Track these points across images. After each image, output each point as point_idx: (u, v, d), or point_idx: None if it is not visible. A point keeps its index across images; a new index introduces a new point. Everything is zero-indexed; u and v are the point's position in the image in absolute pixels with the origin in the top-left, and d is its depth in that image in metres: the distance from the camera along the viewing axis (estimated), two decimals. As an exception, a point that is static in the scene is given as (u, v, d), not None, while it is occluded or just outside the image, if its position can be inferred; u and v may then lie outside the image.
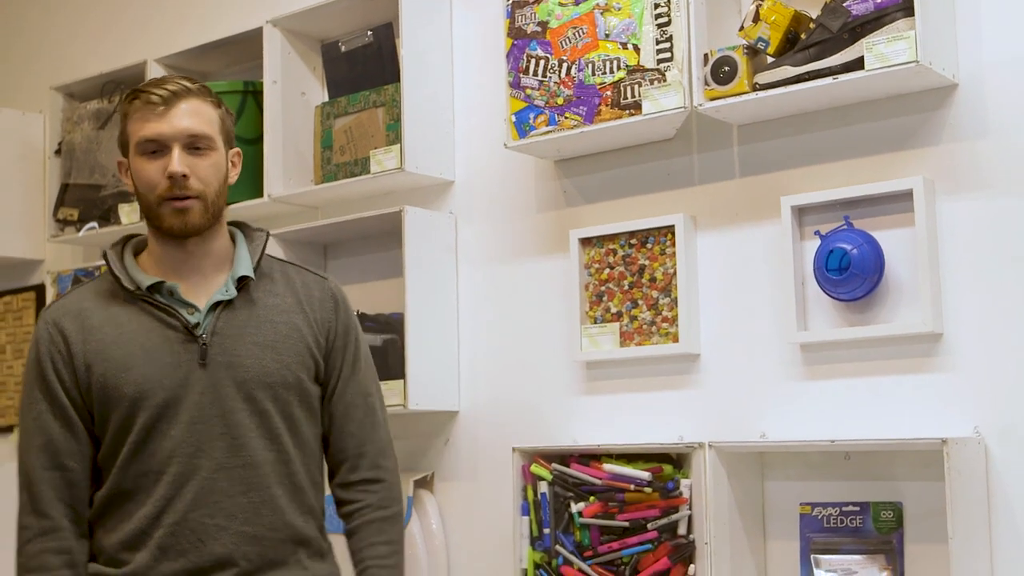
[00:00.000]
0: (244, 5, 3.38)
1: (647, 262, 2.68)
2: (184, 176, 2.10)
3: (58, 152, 3.66)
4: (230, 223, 2.27)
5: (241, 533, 2.14)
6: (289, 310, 2.24)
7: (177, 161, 2.10)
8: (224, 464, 2.14)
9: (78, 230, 3.55)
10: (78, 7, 3.93)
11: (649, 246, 2.68)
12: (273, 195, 3.11)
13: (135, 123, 2.14)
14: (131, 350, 2.12)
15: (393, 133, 2.95)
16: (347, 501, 2.29)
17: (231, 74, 3.35)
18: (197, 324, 2.15)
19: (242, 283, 2.19)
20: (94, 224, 3.50)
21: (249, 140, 3.18)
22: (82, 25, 3.89)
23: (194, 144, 2.13)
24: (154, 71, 3.36)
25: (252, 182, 3.16)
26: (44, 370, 2.14)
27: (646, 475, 2.56)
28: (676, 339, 2.63)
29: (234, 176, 2.24)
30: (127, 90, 2.25)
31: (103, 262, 2.23)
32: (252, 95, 3.18)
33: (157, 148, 2.12)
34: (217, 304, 2.17)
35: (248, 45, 3.20)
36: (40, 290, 3.87)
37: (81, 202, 3.58)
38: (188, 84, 2.15)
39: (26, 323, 3.88)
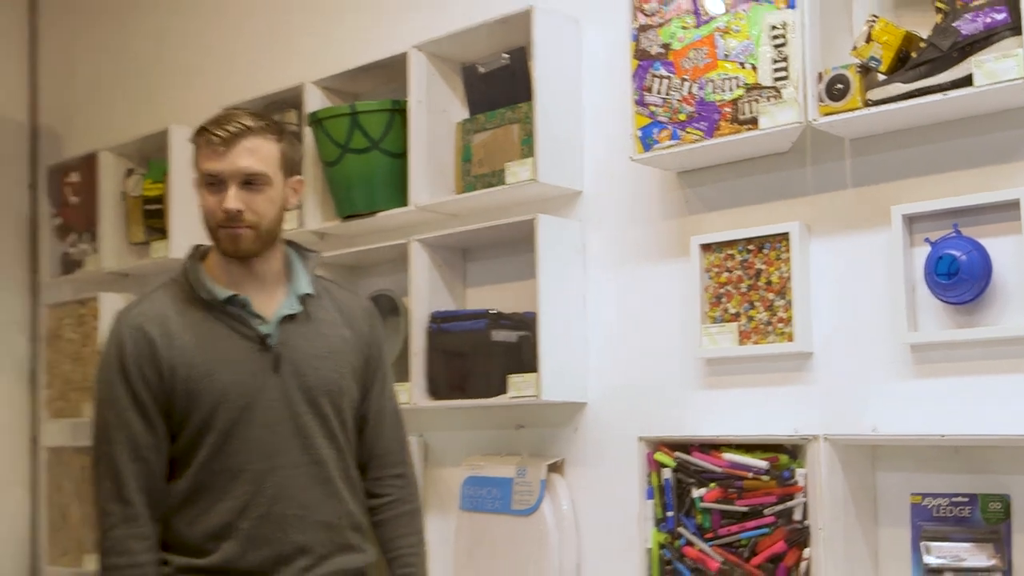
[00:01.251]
0: (392, 31, 3.38)
1: (764, 267, 2.61)
2: (238, 211, 2.14)
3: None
4: (287, 243, 2.31)
5: (317, 522, 2.20)
6: (337, 324, 2.29)
7: (232, 199, 2.15)
8: (297, 462, 2.20)
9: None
10: (242, 32, 3.97)
11: (765, 252, 2.61)
12: (418, 204, 3.10)
13: (200, 157, 2.20)
14: (212, 356, 2.16)
15: (527, 147, 2.92)
16: (378, 494, 2.36)
17: (380, 94, 3.35)
18: (268, 335, 2.18)
19: (302, 299, 2.24)
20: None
21: (396, 154, 3.18)
22: (245, 47, 3.93)
23: (249, 181, 2.16)
24: (310, 92, 3.38)
25: (399, 192, 3.17)
26: (128, 371, 2.15)
27: (764, 464, 2.51)
28: (791, 338, 2.56)
29: (294, 202, 2.29)
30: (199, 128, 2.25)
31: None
32: (399, 113, 3.18)
33: (216, 182, 2.16)
34: (284, 317, 2.21)
35: (395, 68, 3.20)
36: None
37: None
38: (250, 123, 2.18)
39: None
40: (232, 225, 2.16)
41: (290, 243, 2.33)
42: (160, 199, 3.91)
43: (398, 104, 3.19)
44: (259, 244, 2.18)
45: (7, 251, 4.66)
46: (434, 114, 3.14)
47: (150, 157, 4.02)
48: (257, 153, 2.16)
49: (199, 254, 2.27)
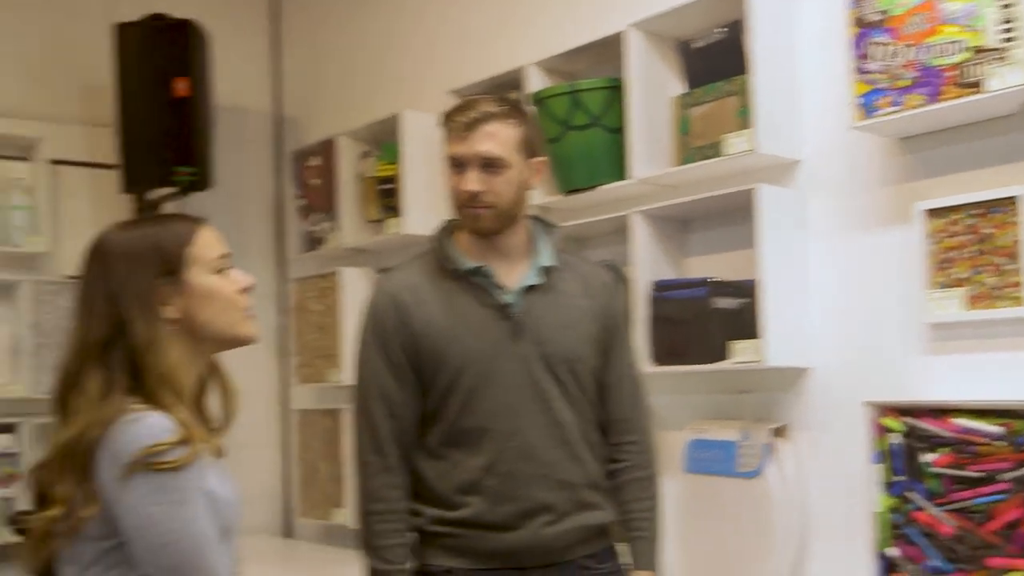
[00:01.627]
0: (608, 11, 3.36)
1: (992, 231, 2.49)
2: (477, 193, 2.22)
3: (453, 146, 3.77)
4: (531, 217, 2.35)
5: (559, 481, 2.25)
6: (579, 295, 2.32)
7: (471, 180, 2.22)
8: (539, 424, 2.25)
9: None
10: (468, 18, 4.02)
11: (993, 215, 2.49)
12: (637, 177, 3.09)
13: (447, 140, 2.27)
14: (457, 323, 2.24)
15: (744, 119, 2.86)
16: (616, 459, 2.38)
17: (597, 72, 3.34)
18: (510, 305, 2.21)
19: (544, 271, 2.28)
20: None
21: (615, 129, 3.18)
22: (470, 33, 3.98)
23: (488, 164, 2.22)
24: (532, 74, 3.40)
25: (618, 166, 3.18)
26: (382, 333, 2.27)
27: (998, 429, 2.40)
28: (1022, 302, 2.43)
29: (535, 182, 2.33)
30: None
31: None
32: (617, 90, 3.17)
33: (458, 164, 2.21)
34: (526, 288, 2.26)
35: (612, 47, 3.19)
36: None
37: (474, 189, 3.66)
38: (491, 108, 2.24)
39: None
40: (472, 205, 2.24)
41: (535, 218, 2.38)
42: (393, 179, 4.02)
43: (616, 81, 3.17)
44: (499, 223, 2.25)
45: (258, 231, 4.88)
46: (651, 90, 3.12)
47: (383, 140, 4.13)
48: (496, 137, 2.22)
49: (449, 228, 2.35)
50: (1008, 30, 2.32)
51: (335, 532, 4.34)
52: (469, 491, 2.24)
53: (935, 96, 2.45)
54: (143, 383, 1.66)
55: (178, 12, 4.29)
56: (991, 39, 2.35)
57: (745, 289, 2.90)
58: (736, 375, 2.99)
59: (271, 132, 4.97)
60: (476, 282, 2.27)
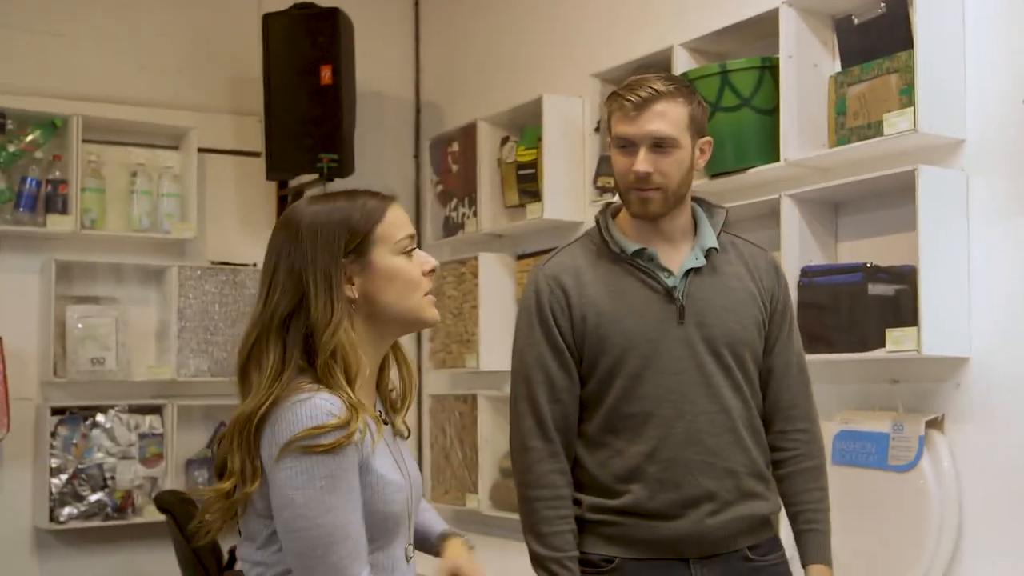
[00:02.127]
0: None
1: None
2: (647, 174, 2.13)
3: (597, 129, 3.71)
4: (693, 199, 2.28)
5: (724, 469, 2.16)
6: (743, 277, 2.23)
7: (642, 161, 2.14)
8: (705, 409, 2.15)
9: (614, 195, 3.56)
10: (608, 1, 3.95)
11: None
12: (789, 159, 2.98)
13: (614, 121, 2.20)
14: (620, 305, 2.16)
15: (906, 97, 2.73)
16: (782, 448, 2.27)
17: (746, 52, 3.23)
18: (674, 287, 2.16)
19: (707, 253, 2.20)
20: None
21: (765, 110, 3.08)
22: (613, 15, 3.91)
23: (658, 144, 2.15)
24: (679, 55, 3.31)
25: (769, 148, 3.07)
26: (545, 317, 2.19)
27: None
28: None
29: (702, 163, 2.26)
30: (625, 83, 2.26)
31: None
32: (768, 70, 3.07)
33: (627, 144, 2.16)
34: (689, 271, 2.18)
35: (764, 25, 3.08)
36: (580, 248, 3.94)
37: (617, 171, 3.59)
38: (660, 87, 2.16)
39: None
40: (642, 187, 2.18)
41: (697, 199, 2.32)
42: (533, 164, 3.97)
43: (768, 61, 3.07)
44: (667, 205, 2.20)
45: (397, 217, 4.88)
46: (804, 69, 3.00)
47: (523, 125, 4.09)
48: (666, 117, 2.17)
49: (611, 211, 2.29)
50: None
51: (468, 517, 4.31)
52: (630, 479, 2.16)
53: (1119, 69, 2.29)
54: (316, 361, 1.64)
55: (324, 1, 4.32)
56: None
57: (903, 275, 2.77)
58: (890, 364, 2.85)
59: (411, 118, 4.97)
60: (639, 265, 2.20)
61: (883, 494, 2.81)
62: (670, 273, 2.19)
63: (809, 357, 2.85)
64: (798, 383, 2.30)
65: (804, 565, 2.25)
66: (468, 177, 4.25)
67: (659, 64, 3.40)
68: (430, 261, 1.76)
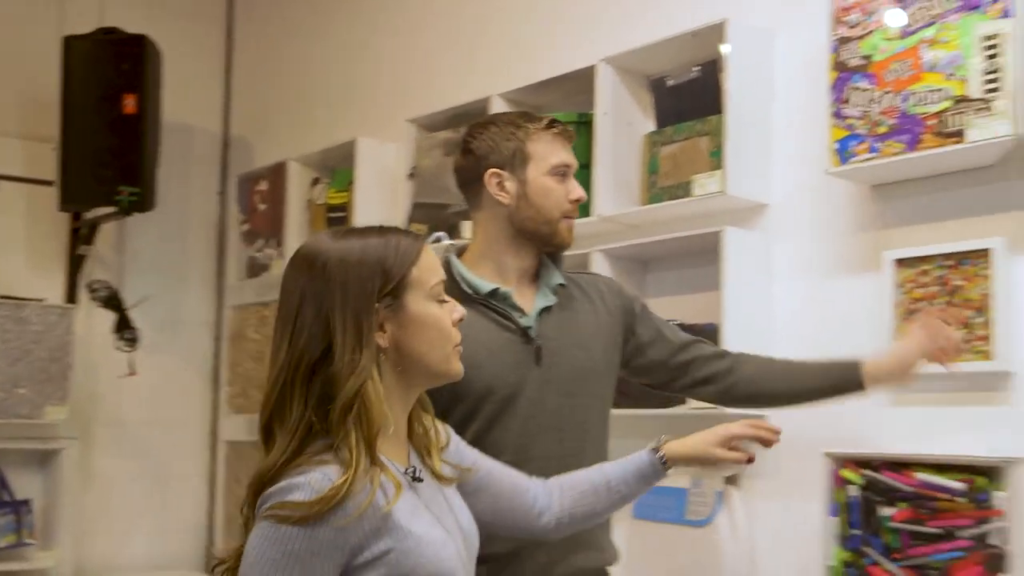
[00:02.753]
0: (578, 44, 3.30)
1: (962, 283, 2.43)
2: (581, 201, 2.17)
3: (410, 176, 3.67)
4: None
5: None
6: (588, 310, 2.20)
7: (579, 187, 2.15)
8: (550, 454, 2.09)
9: (427, 239, 3.53)
10: (430, 48, 3.94)
11: (964, 267, 2.43)
12: (602, 215, 3.00)
13: (547, 146, 2.14)
14: (477, 349, 2.05)
15: (715, 159, 2.79)
16: (716, 372, 2.32)
17: (565, 106, 3.25)
18: (529, 327, 2.11)
19: (555, 290, 2.17)
20: (442, 234, 3.48)
21: (580, 166, 3.06)
22: (433, 64, 3.90)
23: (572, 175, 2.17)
24: (496, 105, 3.30)
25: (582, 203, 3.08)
26: None
27: (960, 486, 2.32)
28: (990, 357, 2.37)
29: None
30: (521, 113, 2.23)
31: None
32: (584, 125, 3.08)
33: (565, 172, 2.13)
34: (542, 309, 2.14)
35: (581, 81, 3.11)
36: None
37: (428, 218, 3.56)
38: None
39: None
40: (574, 215, 2.16)
41: None
42: (344, 207, 3.91)
43: (584, 116, 3.09)
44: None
45: (197, 255, 4.72)
46: (620, 126, 3.04)
47: (335, 167, 4.02)
48: None
49: (456, 251, 2.21)
50: (992, 80, 2.28)
51: (259, 568, 4.14)
52: None
53: (914, 144, 2.39)
54: (331, 413, 1.47)
55: (131, 27, 4.14)
56: (974, 89, 2.30)
57: (706, 333, 2.80)
58: (691, 420, 2.87)
59: (218, 153, 4.81)
60: (493, 305, 2.12)
61: (681, 548, 2.83)
62: (523, 313, 2.13)
63: (613, 412, 2.86)
64: (689, 339, 2.33)
65: (856, 368, 2.25)
66: (276, 217, 4.14)
67: (476, 113, 3.39)
68: (459, 310, 1.62)
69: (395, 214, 3.74)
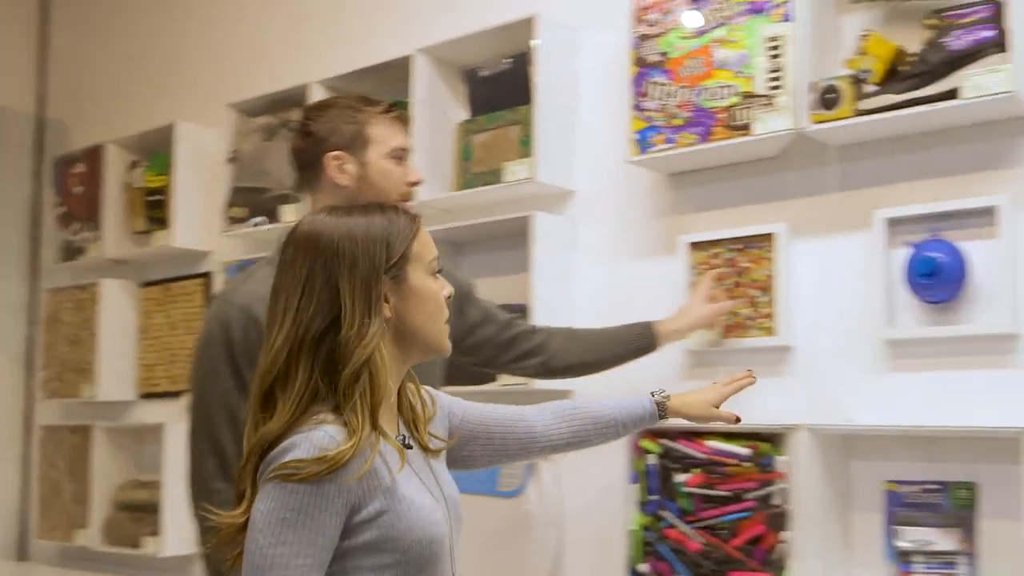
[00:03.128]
0: (395, 34, 3.37)
1: (749, 265, 2.61)
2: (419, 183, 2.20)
3: (230, 160, 3.67)
4: None
5: None
6: None
7: (417, 170, 2.17)
8: None
9: (249, 224, 3.54)
10: (250, 34, 3.94)
11: (751, 251, 2.61)
12: (417, 200, 3.07)
13: (387, 130, 2.15)
14: None
15: (525, 148, 2.91)
16: (532, 346, 2.44)
17: (382, 94, 3.24)
18: None
19: None
20: (264, 218, 3.49)
21: (397, 152, 3.16)
22: (254, 49, 3.89)
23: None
24: (315, 92, 3.34)
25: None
26: (234, 352, 2.04)
27: (746, 451, 2.50)
28: (773, 333, 2.56)
29: None
30: (356, 97, 2.24)
31: (261, 254, 2.21)
32: (402, 113, 3.15)
33: (403, 155, 2.14)
34: None
35: (398, 70, 3.17)
36: (208, 277, 3.87)
37: (248, 202, 3.57)
38: None
39: (195, 304, 3.89)
40: (411, 198, 2.18)
41: None
42: (162, 190, 3.87)
43: (401, 104, 3.15)
44: None
45: (11, 237, 4.58)
46: (435, 115, 3.12)
47: (153, 150, 3.97)
48: None
49: None
50: (775, 79, 2.45)
51: (75, 554, 4.07)
52: None
53: (706, 136, 2.55)
54: (338, 381, 1.52)
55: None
56: (759, 86, 2.48)
57: (516, 312, 2.92)
58: (504, 396, 2.98)
59: (32, 135, 4.67)
60: None
61: (493, 519, 2.93)
62: None
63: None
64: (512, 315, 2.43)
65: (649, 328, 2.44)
66: (92, 200, 4.06)
67: (296, 99, 3.42)
68: (448, 287, 1.67)
69: (214, 198, 3.73)
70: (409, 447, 1.63)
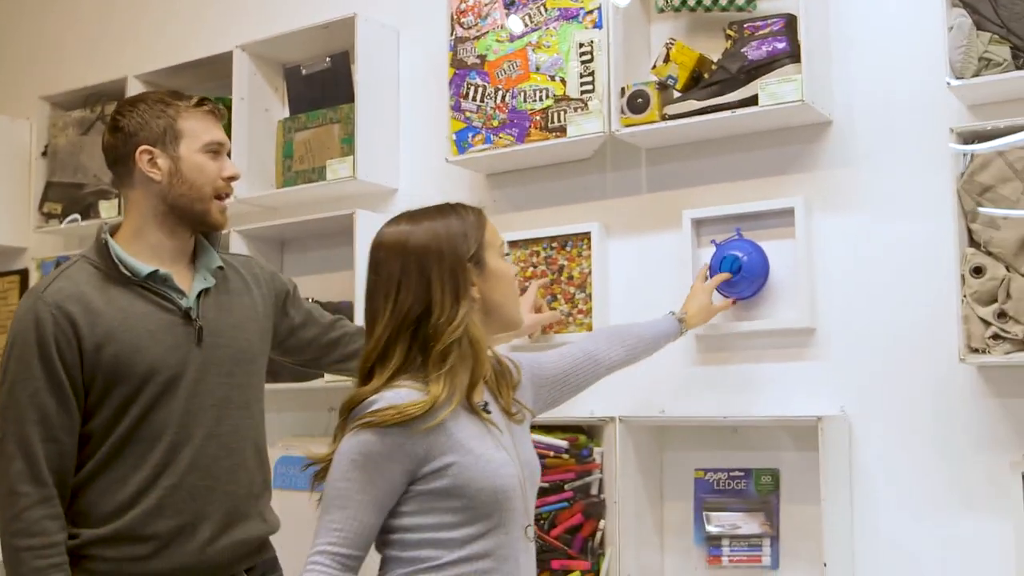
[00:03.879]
0: (216, 30, 3.31)
1: (566, 263, 2.67)
2: (236, 179, 2.15)
3: (44, 154, 3.53)
4: None
5: (223, 492, 2.08)
6: (243, 292, 2.20)
7: (235, 167, 2.13)
8: (211, 433, 2.08)
9: (61, 222, 3.42)
10: (64, 25, 3.80)
11: (568, 249, 2.66)
12: (238, 197, 3.00)
13: (199, 123, 2.10)
14: (138, 332, 2.02)
15: (347, 146, 2.89)
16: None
17: (203, 91, 3.18)
18: (190, 308, 2.08)
19: (214, 272, 2.15)
20: (77, 216, 3.38)
21: (218, 148, 3.10)
22: (68, 41, 3.76)
23: (227, 154, 2.16)
24: (133, 86, 3.25)
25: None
26: (47, 350, 1.98)
27: (564, 443, 2.56)
28: (590, 328, 2.62)
29: None
30: (169, 92, 2.17)
31: (77, 251, 2.14)
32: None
33: (218, 151, 2.09)
34: (201, 291, 2.11)
35: (219, 66, 3.12)
36: (24, 274, 3.73)
37: (64, 198, 3.45)
38: None
39: (10, 302, 3.74)
40: (228, 193, 2.12)
41: None
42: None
43: (221, 101, 3.09)
44: None
45: None
46: (256, 112, 3.08)
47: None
48: None
49: (109, 231, 2.11)
50: (587, 83, 2.51)
51: None
52: (129, 506, 2.01)
53: (522, 137, 2.59)
54: (429, 354, 1.71)
55: None
56: (573, 89, 2.53)
57: (341, 310, 2.90)
58: (327, 392, 2.98)
59: None
60: (153, 288, 2.06)
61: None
62: (184, 295, 2.09)
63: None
64: (333, 320, 2.38)
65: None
66: None
67: (113, 93, 3.32)
68: (514, 267, 1.87)
69: (27, 192, 3.60)
70: (489, 412, 1.80)
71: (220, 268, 2.16)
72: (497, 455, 1.76)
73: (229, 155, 2.16)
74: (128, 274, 2.05)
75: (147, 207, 2.09)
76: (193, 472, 2.04)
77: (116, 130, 2.10)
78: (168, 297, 2.07)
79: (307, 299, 2.50)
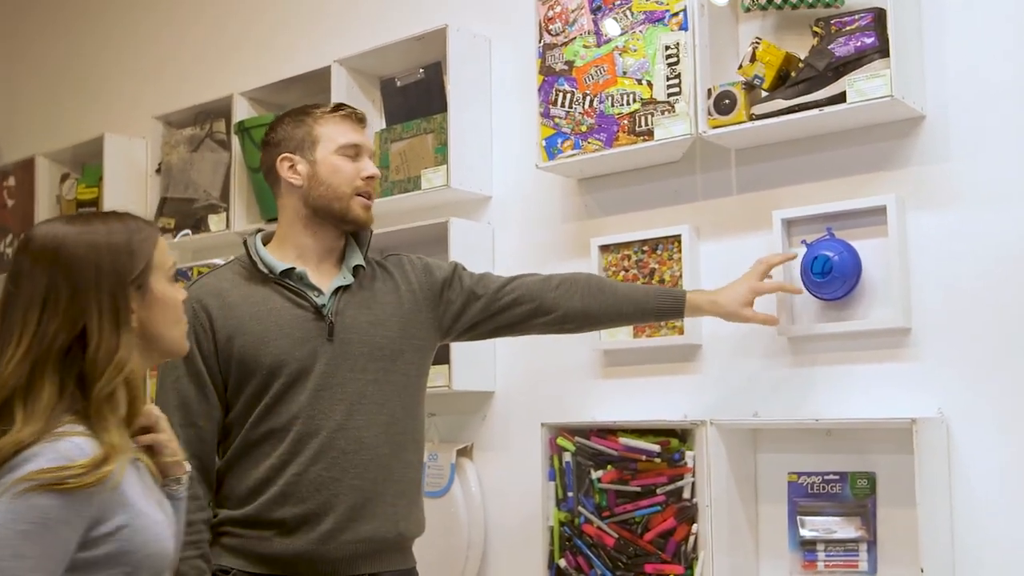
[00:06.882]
0: (314, 46, 3.36)
1: (657, 266, 2.63)
2: (377, 177, 2.21)
3: (158, 171, 3.64)
4: None
5: (351, 486, 2.10)
6: (388, 290, 2.22)
7: (373, 166, 2.20)
8: (341, 426, 2.10)
9: (174, 236, 3.51)
10: (174, 46, 3.92)
11: (659, 252, 2.63)
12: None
13: (335, 128, 2.18)
14: (267, 326, 2.10)
15: (441, 155, 2.90)
16: (557, 300, 2.29)
17: (302, 104, 3.30)
18: (323, 305, 2.13)
19: (355, 271, 2.19)
20: (187, 231, 3.47)
21: (318, 161, 3.15)
22: (178, 61, 3.87)
23: (368, 157, 2.22)
24: (238, 103, 3.32)
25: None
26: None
27: (656, 447, 2.52)
28: (682, 331, 2.58)
29: None
30: (303, 105, 2.27)
31: (211, 261, 2.21)
32: (321, 123, 3.14)
33: (356, 153, 2.16)
34: (338, 288, 2.16)
35: (317, 80, 3.16)
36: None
37: (176, 213, 3.55)
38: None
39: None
40: (369, 192, 2.18)
41: None
42: (94, 202, 3.84)
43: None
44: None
45: (-57, 251, 4.49)
46: (354, 124, 3.11)
47: (85, 162, 3.93)
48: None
49: (260, 236, 2.22)
50: (674, 85, 2.47)
51: None
52: (258, 491, 2.07)
53: (611, 142, 2.57)
54: (90, 394, 1.44)
55: None
56: (659, 92, 2.49)
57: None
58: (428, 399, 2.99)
59: (-35, 150, 4.61)
60: (288, 284, 2.13)
61: (419, 519, 2.93)
62: (319, 292, 2.14)
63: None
64: (511, 280, 2.32)
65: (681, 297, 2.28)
66: (25, 213, 4.01)
67: (221, 110, 3.41)
68: (183, 291, 1.61)
69: (144, 209, 3.70)
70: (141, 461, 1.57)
71: (362, 267, 2.20)
72: (159, 515, 1.52)
73: (372, 157, 2.22)
74: (266, 271, 2.15)
75: (293, 211, 2.18)
76: (318, 463, 2.08)
77: (265, 144, 2.23)
78: (302, 293, 2.14)
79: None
